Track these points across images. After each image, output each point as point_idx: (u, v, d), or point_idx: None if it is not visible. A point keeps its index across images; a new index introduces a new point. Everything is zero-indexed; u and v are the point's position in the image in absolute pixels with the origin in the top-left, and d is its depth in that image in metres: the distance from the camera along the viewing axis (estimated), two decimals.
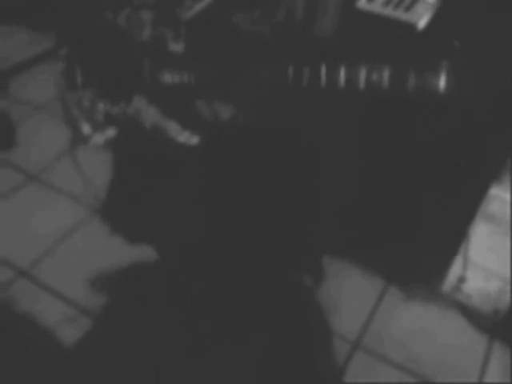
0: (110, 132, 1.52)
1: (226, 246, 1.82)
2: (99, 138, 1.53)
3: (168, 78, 1.39)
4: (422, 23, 1.48)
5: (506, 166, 1.58)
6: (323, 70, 1.24)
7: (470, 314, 1.92)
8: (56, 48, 1.49)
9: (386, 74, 1.19)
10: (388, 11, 1.50)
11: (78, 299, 1.96)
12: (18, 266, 2.08)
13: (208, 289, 1.91)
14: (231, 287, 1.89)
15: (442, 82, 1.16)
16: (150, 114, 1.44)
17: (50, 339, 1.85)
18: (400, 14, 1.49)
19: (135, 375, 1.76)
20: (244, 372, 1.76)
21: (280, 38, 1.48)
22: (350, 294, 2.01)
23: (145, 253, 2.01)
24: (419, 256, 1.91)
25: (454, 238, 1.76)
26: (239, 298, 1.92)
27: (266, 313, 1.89)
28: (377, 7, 1.52)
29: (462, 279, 1.82)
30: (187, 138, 1.43)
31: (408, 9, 1.50)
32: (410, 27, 1.47)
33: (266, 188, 1.67)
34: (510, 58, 1.24)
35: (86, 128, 1.51)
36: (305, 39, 1.50)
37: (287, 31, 1.49)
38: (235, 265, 1.87)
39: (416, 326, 1.94)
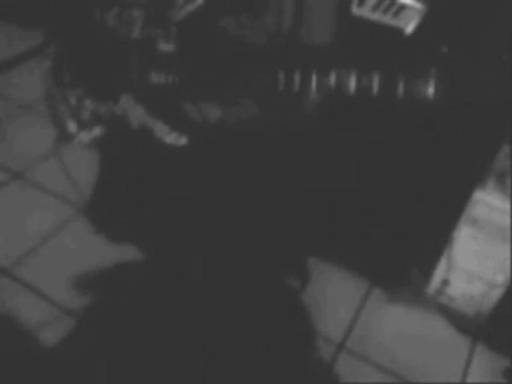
0: (97, 131, 1.51)
1: (211, 246, 1.82)
2: (85, 137, 1.52)
3: (156, 78, 1.38)
4: (410, 28, 1.49)
5: (490, 170, 1.60)
6: (313, 75, 1.25)
7: (453, 316, 1.94)
8: (43, 45, 1.47)
9: (376, 79, 1.20)
10: (377, 16, 1.52)
11: (62, 299, 1.94)
12: (1, 264, 2.05)
13: (193, 289, 1.90)
14: (216, 288, 1.89)
15: (431, 89, 1.17)
16: (137, 114, 1.44)
17: (32, 340, 1.83)
18: (388, 19, 1.51)
19: (119, 377, 1.75)
20: (229, 373, 1.76)
21: (269, 43, 1.48)
22: (334, 295, 2.02)
23: (130, 252, 2.00)
24: (403, 258, 1.92)
25: (438, 241, 1.78)
26: (224, 299, 1.92)
27: (251, 314, 1.89)
28: (366, 12, 1.53)
29: (445, 282, 1.83)
30: (175, 138, 1.42)
31: (396, 14, 1.52)
32: (398, 32, 1.48)
33: (254, 190, 1.67)
34: (497, 64, 1.25)
35: (72, 126, 1.50)
36: (295, 44, 1.50)
37: (276, 36, 1.50)
38: (220, 265, 1.87)
39: (400, 328, 1.95)
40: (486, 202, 1.59)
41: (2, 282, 2.00)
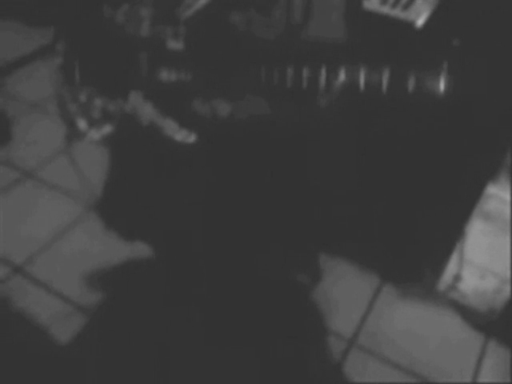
0: (107, 128, 1.51)
1: (222, 243, 1.82)
2: (95, 135, 1.52)
3: (166, 75, 1.38)
4: (421, 22, 1.48)
5: (502, 164, 1.59)
6: (322, 71, 1.24)
7: (465, 312, 1.93)
8: (53, 44, 1.48)
9: (386, 74, 1.19)
10: (386, 9, 1.50)
11: (74, 296, 1.96)
12: (13, 262, 2.07)
13: (204, 286, 1.90)
14: (227, 285, 1.89)
15: (441, 84, 1.17)
16: (146, 112, 1.44)
17: (45, 336, 1.84)
18: (398, 13, 1.49)
19: (131, 374, 1.75)
20: (239, 370, 1.76)
21: (278, 39, 1.48)
22: (345, 291, 2.01)
23: (141, 250, 2.00)
24: (415, 254, 1.91)
25: (450, 236, 1.77)
26: (235, 296, 1.92)
27: (262, 311, 1.89)
28: (375, 6, 1.52)
29: (457, 278, 1.82)
30: (184, 136, 1.42)
31: (406, 7, 1.50)
32: (409, 26, 1.47)
33: (264, 186, 1.67)
34: (508, 57, 1.24)
35: (82, 124, 1.51)
36: (304, 40, 1.50)
37: (285, 32, 1.49)
38: (232, 263, 1.87)
39: (411, 324, 1.94)
40: (499, 196, 1.58)
41: (14, 280, 2.02)
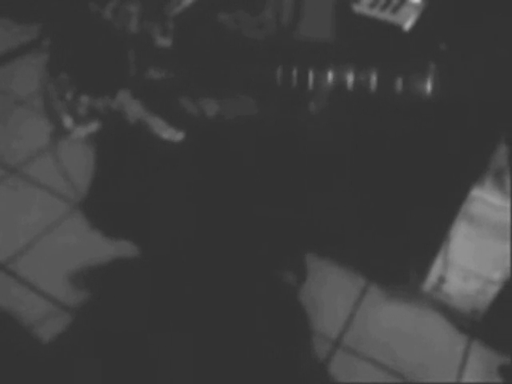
0: (93, 126, 1.50)
1: (208, 243, 1.82)
2: (81, 132, 1.51)
3: (154, 73, 1.38)
4: (408, 25, 1.49)
5: (488, 167, 1.60)
6: (311, 72, 1.25)
7: (449, 313, 1.94)
8: (39, 40, 1.47)
9: (374, 76, 1.20)
10: (374, 12, 1.51)
11: (58, 295, 1.94)
12: None
13: (189, 285, 1.90)
14: (213, 284, 1.89)
15: (428, 85, 1.17)
16: (134, 109, 1.43)
17: (29, 336, 1.82)
18: (386, 16, 1.50)
19: (116, 374, 1.75)
20: (224, 370, 1.76)
21: (267, 39, 1.48)
22: (331, 292, 2.02)
23: (126, 248, 1.99)
24: (400, 255, 1.92)
25: (434, 238, 1.78)
26: (221, 295, 1.92)
27: (248, 310, 1.89)
28: (364, 8, 1.53)
29: (442, 279, 1.84)
30: (172, 134, 1.42)
31: (394, 10, 1.51)
32: (397, 28, 1.48)
33: (251, 185, 1.67)
34: (495, 61, 1.25)
35: (68, 121, 1.49)
36: (293, 40, 1.50)
37: (274, 32, 1.49)
38: (217, 262, 1.87)
39: (396, 325, 1.95)
40: (484, 199, 1.59)
41: None
